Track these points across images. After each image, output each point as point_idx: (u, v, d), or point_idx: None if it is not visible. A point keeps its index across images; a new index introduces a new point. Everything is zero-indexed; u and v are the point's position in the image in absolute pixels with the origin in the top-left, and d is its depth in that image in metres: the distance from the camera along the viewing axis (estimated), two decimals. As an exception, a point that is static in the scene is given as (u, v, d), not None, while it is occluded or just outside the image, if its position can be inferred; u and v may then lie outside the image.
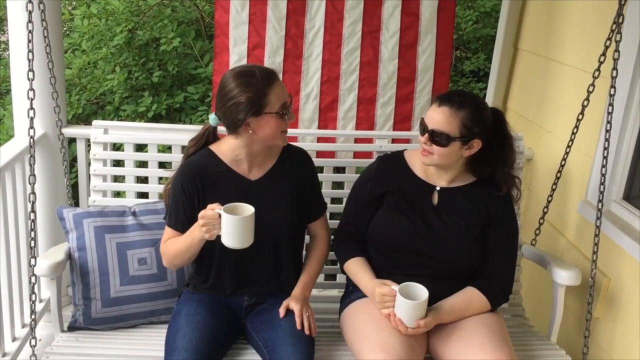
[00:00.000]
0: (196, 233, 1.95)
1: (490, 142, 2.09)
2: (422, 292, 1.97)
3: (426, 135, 2.04)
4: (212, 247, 2.05)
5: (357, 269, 2.16)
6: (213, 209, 1.89)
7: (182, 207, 2.06)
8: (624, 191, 2.42)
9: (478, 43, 4.79)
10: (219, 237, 1.92)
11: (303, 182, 2.17)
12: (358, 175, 2.32)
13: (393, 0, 3.00)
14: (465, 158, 2.11)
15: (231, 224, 1.87)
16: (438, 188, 2.16)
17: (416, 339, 2.00)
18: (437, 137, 2.01)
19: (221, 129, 2.11)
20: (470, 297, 2.08)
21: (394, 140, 2.84)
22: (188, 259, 2.06)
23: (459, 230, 2.10)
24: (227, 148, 2.09)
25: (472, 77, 4.72)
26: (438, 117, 2.02)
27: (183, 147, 2.36)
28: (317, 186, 2.26)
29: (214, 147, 2.12)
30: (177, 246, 2.04)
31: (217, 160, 2.09)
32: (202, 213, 1.91)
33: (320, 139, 2.82)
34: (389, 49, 3.05)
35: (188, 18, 4.55)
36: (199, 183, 2.06)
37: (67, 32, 4.84)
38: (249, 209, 1.90)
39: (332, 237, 2.31)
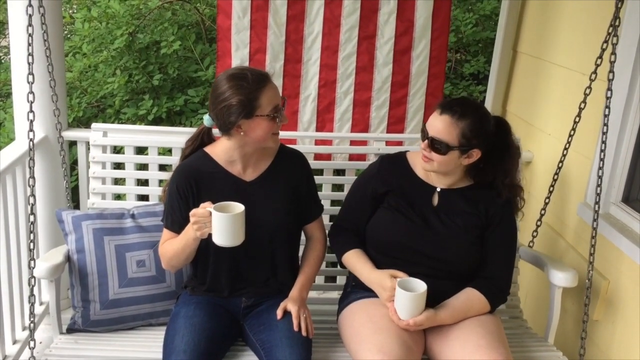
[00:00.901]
0: (190, 232, 1.96)
1: (491, 152, 2.10)
2: (420, 287, 1.98)
3: (426, 142, 2.06)
4: (208, 249, 2.06)
5: (356, 261, 2.17)
6: (205, 207, 1.91)
7: (177, 209, 2.07)
8: (623, 193, 2.42)
9: (478, 46, 4.78)
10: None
11: (299, 183, 2.18)
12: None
13: (388, 7, 3.04)
14: (466, 165, 2.12)
15: (221, 222, 1.88)
16: (438, 189, 2.17)
17: (413, 339, 2.01)
18: (436, 145, 2.03)
19: (216, 131, 2.12)
20: (470, 298, 2.09)
21: (387, 143, 2.86)
22: (185, 259, 2.06)
23: (458, 230, 2.11)
24: (221, 149, 2.11)
25: (472, 79, 4.71)
26: (439, 126, 2.03)
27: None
28: (313, 187, 2.26)
29: (208, 149, 2.14)
30: (173, 247, 2.05)
31: (211, 162, 2.11)
32: (193, 211, 1.93)
33: (317, 142, 2.83)
34: (384, 55, 3.10)
35: (188, 21, 4.55)
36: (193, 184, 2.07)
37: (68, 36, 4.85)
38: (238, 207, 1.91)
39: (329, 232, 2.31)
